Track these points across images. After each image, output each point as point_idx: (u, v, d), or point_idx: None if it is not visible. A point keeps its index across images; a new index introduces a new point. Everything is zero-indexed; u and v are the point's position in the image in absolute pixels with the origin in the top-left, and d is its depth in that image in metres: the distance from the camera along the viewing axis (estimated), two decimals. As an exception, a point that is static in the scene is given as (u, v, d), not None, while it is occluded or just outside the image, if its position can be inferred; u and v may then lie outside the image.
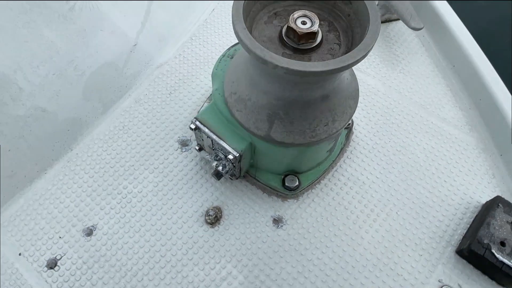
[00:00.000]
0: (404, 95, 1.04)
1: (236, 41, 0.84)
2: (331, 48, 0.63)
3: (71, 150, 0.92)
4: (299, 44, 0.61)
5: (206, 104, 0.96)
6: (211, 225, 0.84)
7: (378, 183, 0.90)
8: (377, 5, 1.14)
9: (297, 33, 0.59)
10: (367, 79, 1.06)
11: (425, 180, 0.90)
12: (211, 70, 1.03)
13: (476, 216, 0.86)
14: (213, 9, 1.17)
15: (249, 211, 0.85)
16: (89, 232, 0.82)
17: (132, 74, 1.02)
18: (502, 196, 0.84)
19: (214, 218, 0.83)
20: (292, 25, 0.59)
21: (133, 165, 0.90)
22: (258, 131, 0.69)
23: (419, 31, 1.14)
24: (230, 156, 0.74)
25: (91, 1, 0.94)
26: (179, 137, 0.94)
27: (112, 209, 0.85)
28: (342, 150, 0.92)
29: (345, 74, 0.71)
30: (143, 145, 0.93)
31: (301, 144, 0.69)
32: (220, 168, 0.77)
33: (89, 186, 0.87)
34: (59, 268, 0.79)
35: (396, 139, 0.96)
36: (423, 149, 0.95)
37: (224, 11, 1.17)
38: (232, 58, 0.81)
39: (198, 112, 0.95)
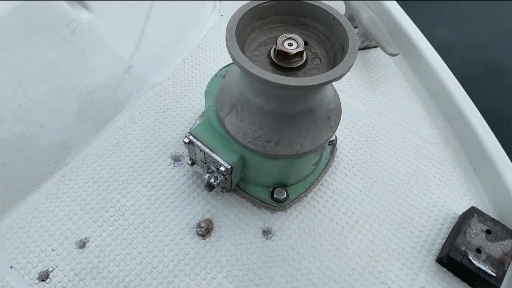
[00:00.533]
0: (383, 114, 1.11)
1: (227, 63, 0.91)
2: (315, 67, 0.69)
3: (66, 165, 0.94)
4: (287, 63, 0.67)
5: (198, 121, 1.01)
6: (202, 237, 0.86)
7: (361, 196, 0.95)
8: (357, 33, 1.24)
9: (286, 53, 0.65)
10: (349, 100, 1.13)
11: (405, 193, 0.96)
12: (203, 91, 1.09)
13: (454, 226, 0.91)
14: (205, 35, 1.25)
15: (239, 223, 0.88)
16: (82, 245, 0.84)
17: (127, 94, 1.07)
18: (477, 207, 0.90)
19: (205, 230, 0.86)
20: (281, 47, 0.66)
21: (126, 180, 0.93)
22: (248, 144, 0.74)
23: (395, 57, 1.23)
24: (222, 168, 0.78)
25: (90, 24, 1.00)
26: (171, 152, 0.98)
27: (105, 222, 0.87)
28: (327, 165, 0.97)
29: (328, 91, 0.78)
30: (137, 160, 0.96)
31: (289, 156, 0.74)
32: (212, 180, 0.81)
33: (82, 200, 0.90)
34: (51, 280, 0.79)
35: (377, 155, 1.02)
36: (402, 164, 1.01)
37: (215, 37, 1.25)
38: (224, 77, 0.87)
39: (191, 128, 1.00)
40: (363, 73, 1.21)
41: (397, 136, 1.06)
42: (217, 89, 0.84)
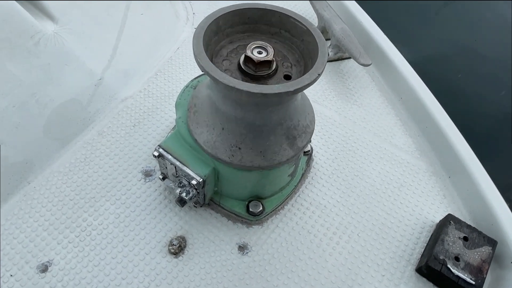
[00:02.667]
0: (358, 124, 1.11)
1: (200, 73, 0.89)
2: (285, 75, 0.68)
3: (29, 183, 0.89)
4: (256, 71, 0.65)
5: (170, 135, 0.98)
6: (175, 255, 0.82)
7: (338, 206, 0.93)
8: (329, 45, 1.25)
9: (254, 61, 0.64)
10: (324, 111, 1.13)
11: (382, 203, 0.95)
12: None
13: (432, 234, 0.90)
14: (177, 48, 1.23)
15: (214, 239, 0.85)
16: (44, 268, 0.78)
17: (96, 108, 1.03)
18: (453, 214, 0.90)
19: (178, 247, 0.82)
20: (249, 54, 0.64)
21: (94, 197, 0.88)
22: (220, 156, 0.72)
23: (368, 68, 1.25)
24: (194, 182, 0.75)
25: (56, 36, 0.96)
26: (142, 167, 0.94)
27: (70, 243, 0.82)
28: (304, 176, 0.95)
29: (301, 100, 0.76)
30: (105, 176, 0.92)
31: (263, 167, 0.72)
32: (183, 194, 0.78)
33: (46, 220, 0.84)
34: (8, 309, 0.73)
35: (353, 165, 1.01)
36: (378, 173, 1.00)
37: (188, 49, 1.23)
38: (195, 88, 0.84)
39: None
40: (337, 83, 1.21)
41: (372, 146, 1.06)
42: (188, 100, 0.82)
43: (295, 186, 0.92)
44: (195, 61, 1.19)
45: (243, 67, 0.66)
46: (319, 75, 0.60)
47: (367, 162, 1.02)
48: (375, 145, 1.06)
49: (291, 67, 0.70)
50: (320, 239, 0.87)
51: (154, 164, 0.95)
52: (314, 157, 1.00)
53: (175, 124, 1.01)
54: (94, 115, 1.02)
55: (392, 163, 1.03)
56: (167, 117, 1.05)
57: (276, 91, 0.55)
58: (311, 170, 0.98)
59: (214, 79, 0.57)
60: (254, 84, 0.56)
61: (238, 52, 0.70)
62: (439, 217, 0.94)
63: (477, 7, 2.73)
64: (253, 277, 0.81)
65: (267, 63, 0.65)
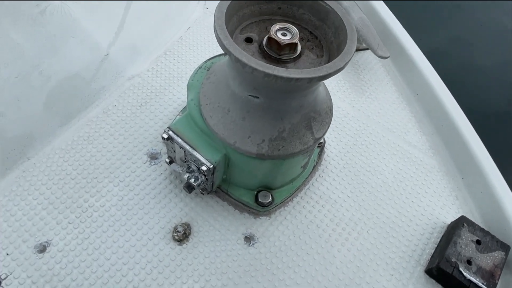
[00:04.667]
0: (372, 118, 1.07)
1: (214, 55, 0.85)
2: (309, 60, 0.64)
3: (29, 159, 0.85)
4: (279, 54, 0.61)
5: (178, 117, 0.94)
6: (178, 242, 0.79)
7: (349, 202, 0.90)
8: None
9: (279, 43, 0.60)
10: (337, 102, 1.09)
11: (394, 200, 0.92)
12: (185, 85, 1.02)
13: (443, 236, 0.88)
14: (188, 27, 1.18)
15: (219, 228, 0.82)
16: (42, 249, 0.75)
17: (101, 84, 0.98)
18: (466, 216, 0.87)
19: (182, 235, 0.79)
20: (274, 36, 0.60)
21: (96, 177, 0.85)
22: (233, 142, 0.68)
23: (384, 61, 1.21)
24: (204, 168, 0.71)
25: (63, 6, 0.91)
26: (148, 150, 0.91)
27: (70, 223, 0.78)
28: (315, 169, 0.92)
29: (322, 90, 0.73)
30: (109, 156, 0.88)
31: (278, 156, 0.69)
32: (192, 180, 0.74)
33: (45, 199, 0.80)
34: (3, 289, 0.70)
35: (365, 160, 0.98)
36: (391, 170, 0.97)
37: (199, 30, 1.18)
38: (208, 70, 0.80)
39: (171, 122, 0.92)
40: (352, 75, 1.17)
41: (386, 141, 1.03)
42: (201, 81, 0.77)
43: (306, 178, 0.89)
44: (206, 44, 1.14)
45: (266, 49, 0.62)
46: (350, 59, 0.56)
47: (379, 158, 0.99)
48: (389, 141, 1.03)
49: (317, 54, 0.66)
50: (329, 234, 0.84)
51: (160, 147, 0.91)
52: (325, 150, 0.97)
53: (184, 106, 0.97)
54: (99, 92, 0.98)
55: (405, 161, 1.00)
56: (175, 99, 1.00)
57: (309, 76, 0.52)
58: (322, 163, 0.95)
59: (240, 62, 0.53)
60: (284, 68, 0.52)
61: (261, 33, 0.66)
62: (450, 218, 0.91)
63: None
64: (258, 269, 0.78)
65: (293, 46, 0.61)
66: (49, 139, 0.88)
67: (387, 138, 1.03)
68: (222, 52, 0.83)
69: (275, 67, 0.53)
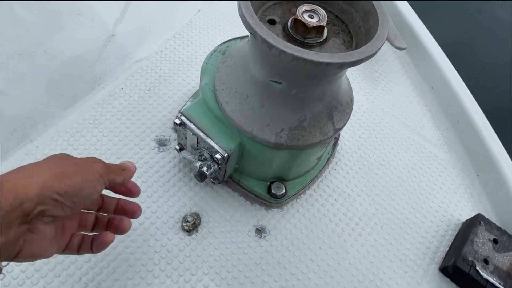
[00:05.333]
0: (386, 111, 1.04)
1: (226, 39, 0.81)
2: (336, 45, 0.61)
3: (31, 141, 0.81)
4: (306, 38, 0.58)
5: (189, 103, 0.90)
6: (188, 233, 0.76)
7: (362, 196, 0.87)
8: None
9: (305, 25, 0.56)
10: (351, 93, 1.06)
11: (408, 196, 0.89)
12: (195, 70, 0.98)
13: (457, 234, 0.85)
14: (199, 10, 1.13)
15: (230, 219, 0.79)
16: (45, 235, 0.71)
17: (108, 66, 0.94)
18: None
19: (192, 225, 0.76)
20: (300, 18, 0.56)
21: (102, 163, 0.81)
22: (250, 130, 0.65)
23: (399, 52, 1.17)
24: (218, 156, 0.68)
25: (71, -19, 0.86)
26: (156, 136, 0.87)
27: (74, 210, 0.75)
28: (328, 161, 0.89)
29: (345, 77, 0.69)
30: (116, 141, 0.84)
31: (296, 146, 0.65)
32: (204, 169, 0.71)
33: (49, 183, 0.77)
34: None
35: (379, 153, 0.95)
36: (405, 165, 0.95)
37: (210, 12, 1.14)
38: (223, 54, 0.76)
39: (183, 107, 0.89)
40: (366, 65, 1.14)
41: (400, 135, 1.00)
42: (216, 66, 0.74)
43: (320, 170, 0.86)
44: (217, 28, 1.10)
45: (290, 31, 0.59)
46: (382, 44, 0.53)
47: (394, 152, 0.96)
48: (403, 135, 1.00)
49: (339, 35, 0.62)
50: (342, 229, 0.82)
51: (169, 133, 0.88)
52: (339, 142, 0.94)
53: (194, 92, 0.93)
54: (106, 74, 0.93)
55: (420, 155, 0.97)
56: (184, 84, 0.97)
57: (340, 61, 0.48)
58: (335, 156, 0.92)
59: (267, 43, 0.49)
60: (314, 52, 0.49)
61: (283, 15, 0.62)
62: (465, 216, 0.89)
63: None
64: (270, 263, 0.75)
65: (320, 29, 0.57)
66: (54, 121, 0.84)
67: (401, 132, 1.00)
68: (235, 36, 0.80)
69: (305, 50, 0.49)
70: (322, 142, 0.67)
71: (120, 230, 0.57)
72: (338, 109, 0.67)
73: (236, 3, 0.54)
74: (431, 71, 1.11)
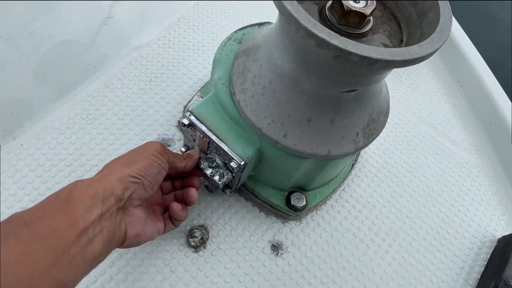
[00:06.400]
0: (413, 111, 0.94)
1: (234, 28, 0.70)
2: (380, 40, 0.50)
3: (14, 139, 0.70)
4: (346, 24, 0.47)
5: (196, 97, 0.79)
6: (194, 249, 0.66)
7: (389, 207, 0.78)
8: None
9: (362, 15, 0.45)
10: (375, 90, 0.95)
11: (439, 208, 0.80)
12: (203, 59, 0.87)
13: (493, 252, 0.77)
14: (206, -8, 1.01)
15: (242, 233, 0.69)
16: (29, 251, 0.61)
17: (103, 52, 0.83)
18: (521, 231, 0.76)
19: (199, 240, 0.66)
20: (345, 2, 0.46)
21: (96, 165, 0.71)
22: (274, 136, 0.54)
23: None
24: (233, 164, 0.58)
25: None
26: (158, 134, 0.76)
27: (64, 221, 0.64)
28: (352, 167, 0.80)
29: (384, 81, 0.59)
30: (112, 140, 0.74)
31: (327, 156, 0.55)
32: (216, 178, 0.61)
33: (34, 189, 0.66)
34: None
35: (406, 159, 0.86)
36: (434, 172, 0.85)
37: (219, -5, 1.02)
38: (239, 43, 0.65)
39: (190, 104, 0.78)
40: (389, 60, 1.03)
41: (428, 139, 0.90)
42: (231, 56, 0.63)
43: (344, 179, 0.77)
44: (227, 12, 0.98)
45: (327, 15, 0.48)
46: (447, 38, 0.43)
47: (421, 157, 0.87)
48: (431, 138, 0.90)
49: (389, 26, 0.52)
50: (367, 245, 0.73)
51: (173, 132, 0.77)
52: (362, 145, 0.84)
53: (203, 85, 0.82)
54: (101, 62, 0.82)
55: (450, 162, 0.88)
56: (190, 75, 0.86)
57: (396, 58, 0.38)
58: (358, 161, 0.82)
59: (368, 60, 0.38)
60: (366, 45, 0.38)
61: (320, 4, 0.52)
62: (500, 231, 0.80)
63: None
64: (287, 285, 0.66)
65: (363, 16, 0.46)
66: (40, 116, 0.73)
67: (430, 135, 0.91)
68: (249, 21, 0.69)
69: (359, 43, 0.38)
70: (352, 153, 0.57)
71: (188, 200, 0.61)
72: (373, 116, 0.57)
73: None
74: (461, 68, 1.01)
